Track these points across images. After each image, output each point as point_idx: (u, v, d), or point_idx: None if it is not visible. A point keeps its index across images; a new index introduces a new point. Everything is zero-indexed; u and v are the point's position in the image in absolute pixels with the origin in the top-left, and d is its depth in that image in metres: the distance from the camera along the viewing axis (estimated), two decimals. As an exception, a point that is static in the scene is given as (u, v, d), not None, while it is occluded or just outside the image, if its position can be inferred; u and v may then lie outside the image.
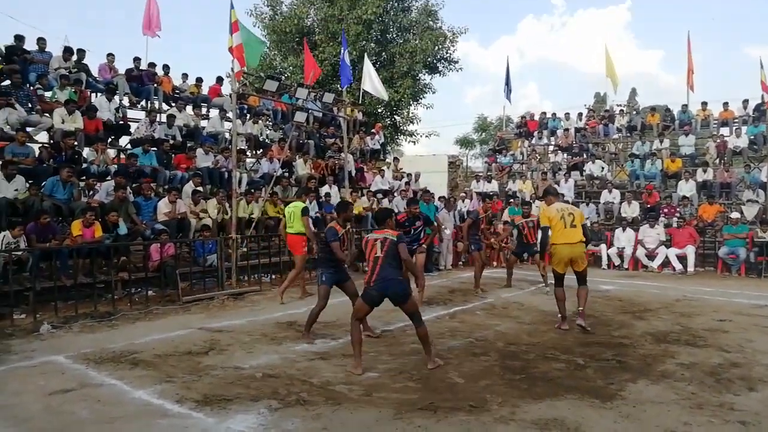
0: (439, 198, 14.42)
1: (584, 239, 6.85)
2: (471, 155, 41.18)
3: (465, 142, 43.96)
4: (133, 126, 12.33)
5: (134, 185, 10.26)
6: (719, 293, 9.58)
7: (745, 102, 17.87)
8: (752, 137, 16.15)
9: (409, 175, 16.85)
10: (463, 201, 16.00)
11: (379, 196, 14.24)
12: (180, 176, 11.28)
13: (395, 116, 25.72)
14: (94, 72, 12.65)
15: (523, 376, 4.98)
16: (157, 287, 8.71)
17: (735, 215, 12.72)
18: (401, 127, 26.29)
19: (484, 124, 43.36)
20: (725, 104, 18.24)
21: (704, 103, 18.54)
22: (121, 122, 12.12)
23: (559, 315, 6.93)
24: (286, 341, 6.21)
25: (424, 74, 25.59)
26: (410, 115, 26.04)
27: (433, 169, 20.62)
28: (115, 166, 10.97)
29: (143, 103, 13.44)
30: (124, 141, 12.33)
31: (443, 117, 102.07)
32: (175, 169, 11.51)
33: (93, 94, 12.27)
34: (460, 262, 13.42)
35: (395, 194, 14.88)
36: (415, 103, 25.58)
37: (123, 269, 8.46)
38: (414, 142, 27.31)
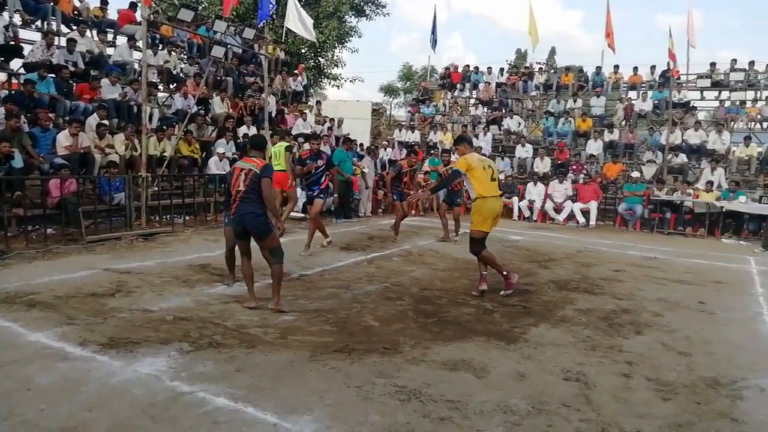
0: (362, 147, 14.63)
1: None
2: (395, 103, 41.20)
3: (389, 90, 43.76)
4: (27, 48, 11.14)
5: (29, 114, 9.37)
6: (616, 246, 10.31)
7: (653, 68, 18.90)
8: (656, 102, 17.22)
9: (331, 120, 16.55)
10: (385, 149, 16.02)
11: (301, 140, 13.93)
12: (83, 107, 10.46)
13: (319, 58, 24.98)
14: (-22, -17, 11.21)
15: (434, 320, 5.16)
16: (58, 225, 8.12)
17: (635, 174, 13.68)
18: (325, 70, 25.63)
19: (409, 72, 43.19)
20: (635, 69, 19.23)
21: (616, 67, 19.43)
22: (12, 43, 10.90)
23: (504, 273, 6.16)
24: (199, 284, 6.04)
25: (351, 16, 24.94)
26: (335, 58, 25.43)
27: (357, 116, 20.41)
28: (6, 91, 9.93)
29: (38, 23, 12.12)
30: (16, 64, 11.15)
31: (368, 63, 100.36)
32: (77, 100, 10.63)
33: (-24, 10, 10.92)
34: (380, 210, 13.59)
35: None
36: (340, 45, 24.93)
37: (18, 205, 7.80)
38: (338, 86, 26.84)
